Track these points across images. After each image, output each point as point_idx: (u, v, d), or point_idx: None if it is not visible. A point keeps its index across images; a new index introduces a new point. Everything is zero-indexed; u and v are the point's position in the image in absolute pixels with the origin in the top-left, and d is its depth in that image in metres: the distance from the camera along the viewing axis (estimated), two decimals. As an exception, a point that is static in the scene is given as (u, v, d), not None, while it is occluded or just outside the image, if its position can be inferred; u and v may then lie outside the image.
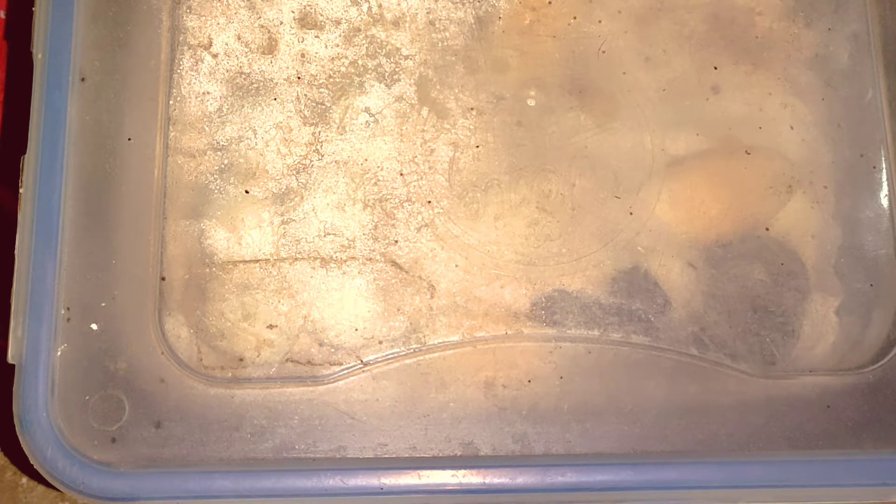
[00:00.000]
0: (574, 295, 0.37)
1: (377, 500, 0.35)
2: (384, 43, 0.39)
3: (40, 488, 0.42)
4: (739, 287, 0.37)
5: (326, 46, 0.39)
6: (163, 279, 0.37)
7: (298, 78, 0.39)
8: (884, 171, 0.39)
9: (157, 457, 0.35)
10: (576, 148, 0.38)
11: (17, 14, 0.42)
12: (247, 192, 0.38)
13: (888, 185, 0.38)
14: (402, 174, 0.38)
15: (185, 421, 0.35)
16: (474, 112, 0.39)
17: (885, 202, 0.38)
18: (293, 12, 0.39)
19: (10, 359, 0.35)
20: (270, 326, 0.37)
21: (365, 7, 0.39)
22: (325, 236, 0.37)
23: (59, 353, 0.35)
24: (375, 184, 0.38)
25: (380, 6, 0.39)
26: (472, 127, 0.38)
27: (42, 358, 0.35)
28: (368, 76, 0.39)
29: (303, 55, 0.39)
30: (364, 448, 0.36)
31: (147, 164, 0.37)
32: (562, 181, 0.38)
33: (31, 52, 0.37)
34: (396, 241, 0.37)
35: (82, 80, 0.37)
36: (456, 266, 0.37)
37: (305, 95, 0.39)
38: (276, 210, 0.38)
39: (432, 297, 0.37)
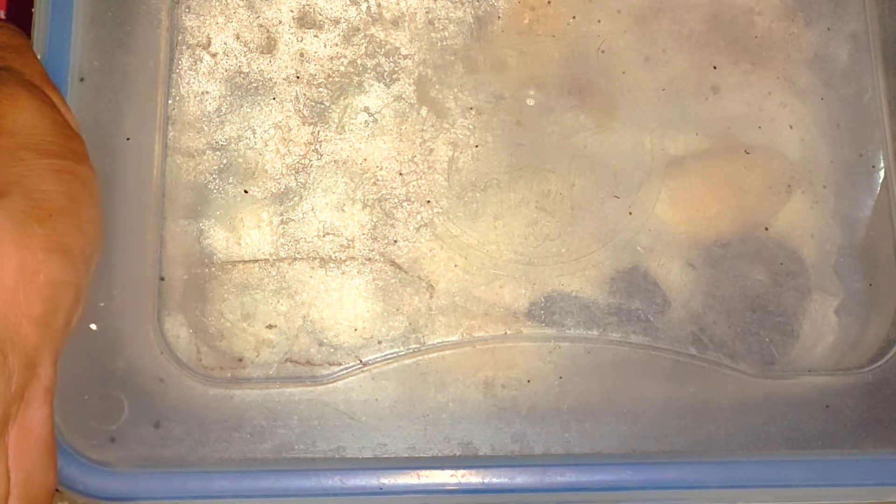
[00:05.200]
0: (573, 295, 0.37)
1: (376, 499, 0.35)
2: (383, 42, 0.39)
3: (39, 488, 0.41)
4: (739, 287, 0.37)
5: (325, 46, 0.39)
6: (162, 279, 0.37)
7: (297, 77, 0.39)
8: (883, 170, 0.39)
9: (157, 457, 0.35)
10: (575, 147, 0.38)
11: (16, 14, 0.42)
12: (246, 191, 0.38)
13: (887, 184, 0.38)
14: (401, 174, 0.38)
15: (184, 421, 0.35)
16: (473, 112, 0.38)
17: (884, 202, 0.38)
18: (292, 12, 0.39)
19: (10, 359, 0.35)
20: (270, 326, 0.37)
21: (364, 6, 0.39)
22: (324, 236, 0.37)
23: (58, 353, 0.35)
24: (374, 183, 0.38)
25: (379, 6, 0.39)
26: (471, 126, 0.38)
27: (41, 358, 0.35)
28: (367, 76, 0.39)
29: (302, 54, 0.39)
30: (363, 448, 0.36)
31: (146, 163, 0.37)
32: (561, 181, 0.38)
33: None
34: (395, 241, 0.37)
35: (81, 80, 0.37)
36: (455, 266, 0.37)
37: (304, 95, 0.39)
38: (276, 210, 0.38)
39: (431, 296, 0.37)
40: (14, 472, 0.30)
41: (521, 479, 0.35)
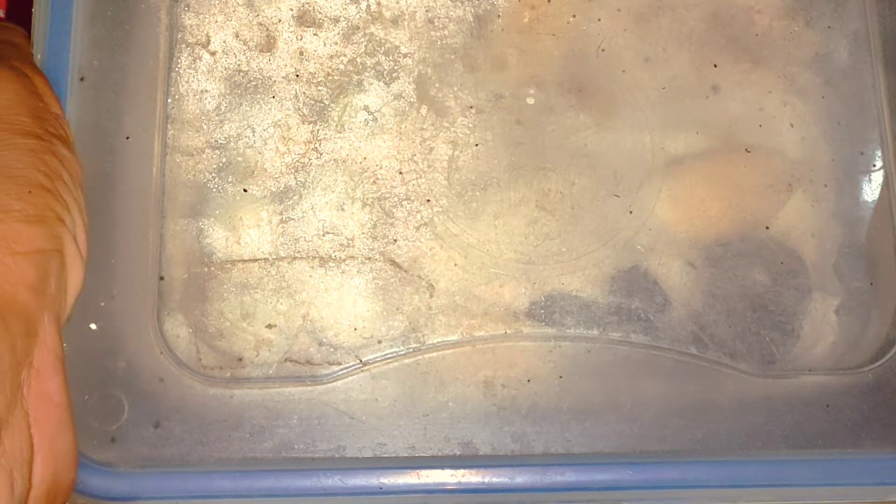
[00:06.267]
0: (573, 294, 0.37)
1: (376, 499, 0.35)
2: (383, 41, 0.39)
3: (39, 487, 0.41)
4: (739, 286, 0.37)
5: (325, 44, 0.39)
6: (161, 278, 0.37)
7: (297, 76, 0.39)
8: (883, 169, 0.39)
9: (157, 456, 0.35)
10: (575, 146, 0.38)
11: (16, 13, 0.42)
12: (245, 190, 0.38)
13: (888, 183, 0.38)
14: (401, 173, 0.38)
15: (184, 421, 0.35)
16: (473, 110, 0.38)
17: (885, 201, 0.38)
18: (292, 10, 0.39)
19: (9, 358, 0.35)
20: (269, 326, 0.36)
21: (364, 5, 0.39)
22: (323, 235, 0.37)
23: (57, 353, 0.35)
24: (374, 182, 0.38)
25: (378, 4, 0.39)
26: (471, 125, 0.38)
27: (41, 358, 0.35)
28: (367, 74, 0.39)
29: (301, 53, 0.39)
30: (363, 447, 0.36)
31: (145, 162, 0.37)
32: (561, 180, 0.38)
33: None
34: (395, 240, 0.37)
35: (81, 79, 0.37)
36: (455, 265, 0.37)
37: (304, 94, 0.38)
38: (275, 209, 0.38)
39: (431, 296, 0.37)
40: (37, 438, 0.30)
41: (521, 478, 0.35)
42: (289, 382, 0.36)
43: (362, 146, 0.38)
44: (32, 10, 0.37)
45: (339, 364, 0.36)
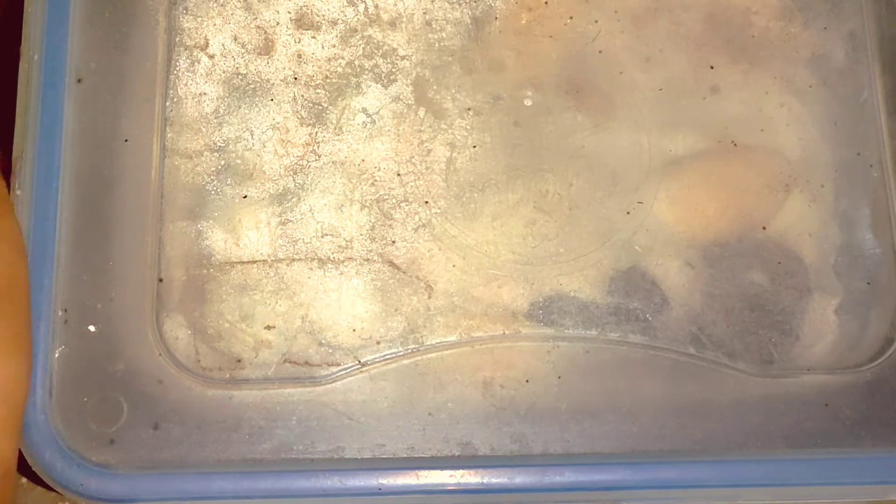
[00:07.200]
0: (572, 294, 0.37)
1: (375, 500, 0.35)
2: (381, 43, 0.39)
3: (39, 489, 0.41)
4: (737, 286, 0.37)
5: (323, 47, 0.39)
6: (160, 280, 0.37)
7: (295, 79, 0.39)
8: (881, 169, 0.39)
9: (156, 458, 0.35)
10: (573, 148, 0.38)
11: (14, 14, 0.42)
12: (245, 195, 0.38)
13: (885, 183, 0.38)
14: (399, 174, 0.38)
15: (183, 422, 0.35)
16: (471, 112, 0.39)
17: (882, 200, 0.38)
18: (290, 13, 0.39)
19: (8, 361, 0.35)
20: (268, 327, 0.37)
21: (361, 7, 0.39)
22: (322, 237, 0.37)
23: (56, 355, 0.35)
24: (372, 184, 0.38)
25: (376, 7, 0.39)
26: (468, 127, 0.38)
27: (40, 360, 0.35)
28: (365, 77, 0.39)
29: (299, 56, 0.39)
30: (362, 448, 0.36)
31: (144, 165, 0.37)
32: (559, 181, 0.38)
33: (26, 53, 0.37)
34: (394, 242, 0.37)
35: (79, 81, 0.37)
36: (453, 266, 0.37)
37: (302, 96, 0.39)
38: (274, 211, 0.38)
39: (430, 297, 0.37)
40: None
41: (520, 479, 0.35)
42: (288, 383, 0.36)
43: (360, 148, 0.38)
44: (29, 10, 0.37)
45: (338, 365, 0.36)
